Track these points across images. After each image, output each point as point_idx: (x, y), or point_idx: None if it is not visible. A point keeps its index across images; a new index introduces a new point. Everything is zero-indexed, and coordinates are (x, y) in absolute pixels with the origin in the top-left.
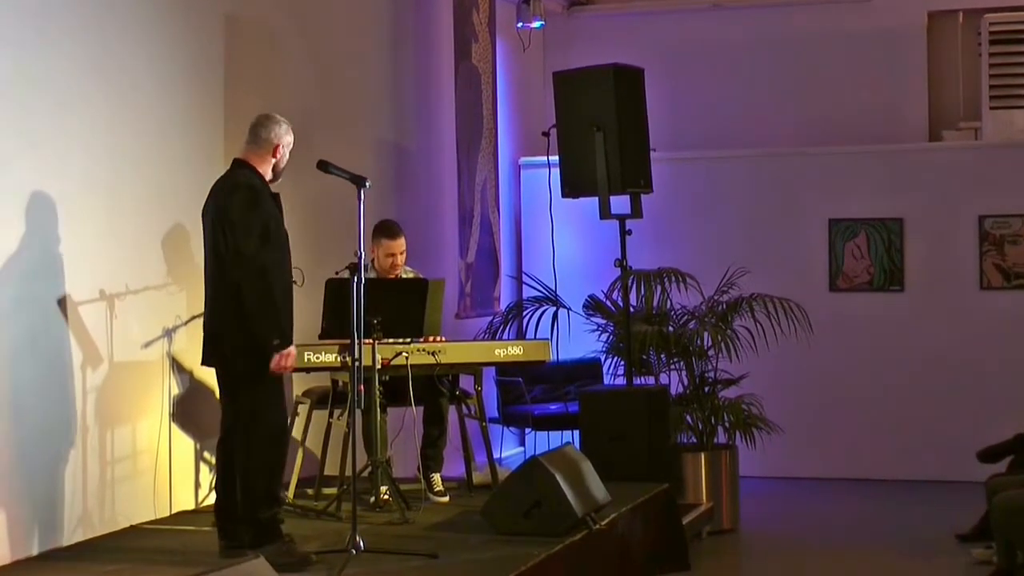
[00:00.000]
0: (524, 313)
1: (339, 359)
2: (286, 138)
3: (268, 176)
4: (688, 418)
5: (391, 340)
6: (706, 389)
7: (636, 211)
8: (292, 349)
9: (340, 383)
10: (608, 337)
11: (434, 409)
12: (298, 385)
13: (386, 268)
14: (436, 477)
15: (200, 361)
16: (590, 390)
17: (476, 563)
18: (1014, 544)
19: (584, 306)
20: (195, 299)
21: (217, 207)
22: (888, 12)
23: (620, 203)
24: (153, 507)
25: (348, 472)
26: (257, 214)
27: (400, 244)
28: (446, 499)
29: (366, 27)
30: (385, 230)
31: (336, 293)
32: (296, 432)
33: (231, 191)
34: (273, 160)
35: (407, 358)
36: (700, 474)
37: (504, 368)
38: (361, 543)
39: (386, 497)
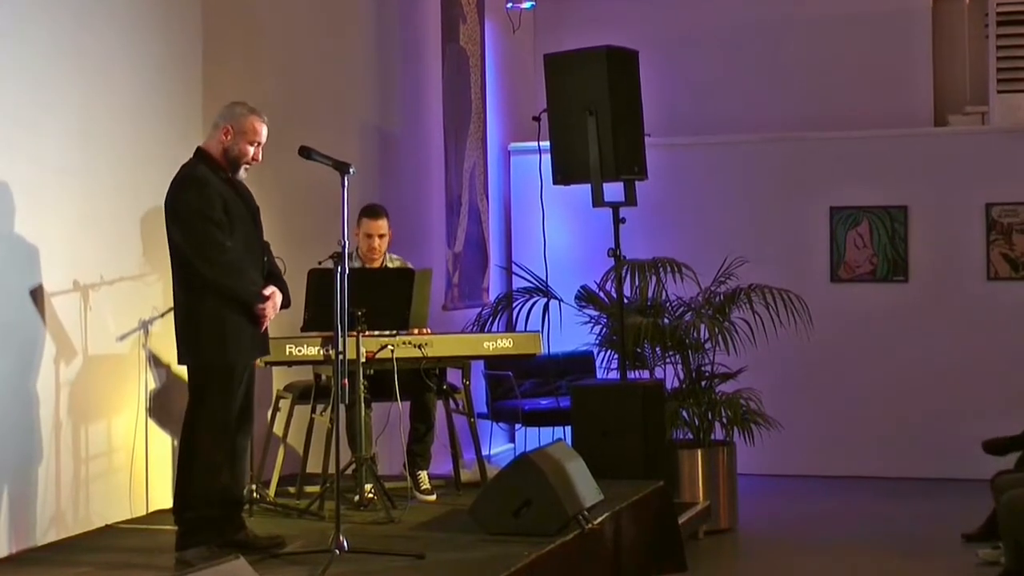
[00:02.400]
0: (514, 305)
1: (322, 352)
2: (239, 122)
3: (224, 164)
4: (684, 413)
5: (376, 332)
6: (703, 383)
7: (630, 199)
8: (268, 297)
9: (323, 377)
10: (601, 329)
11: (421, 404)
12: (279, 379)
13: (364, 251)
14: (423, 475)
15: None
16: (582, 384)
17: (464, 564)
18: (1022, 544)
19: (576, 297)
20: (172, 289)
21: (166, 202)
22: None
23: (613, 190)
24: (129, 506)
25: (331, 469)
26: (199, 206)
27: (380, 226)
28: (433, 497)
29: (351, 7)
30: (366, 210)
31: (319, 284)
32: (278, 428)
33: (174, 187)
34: (222, 145)
35: (392, 351)
36: (696, 472)
37: (493, 362)
38: (345, 543)
39: (371, 495)
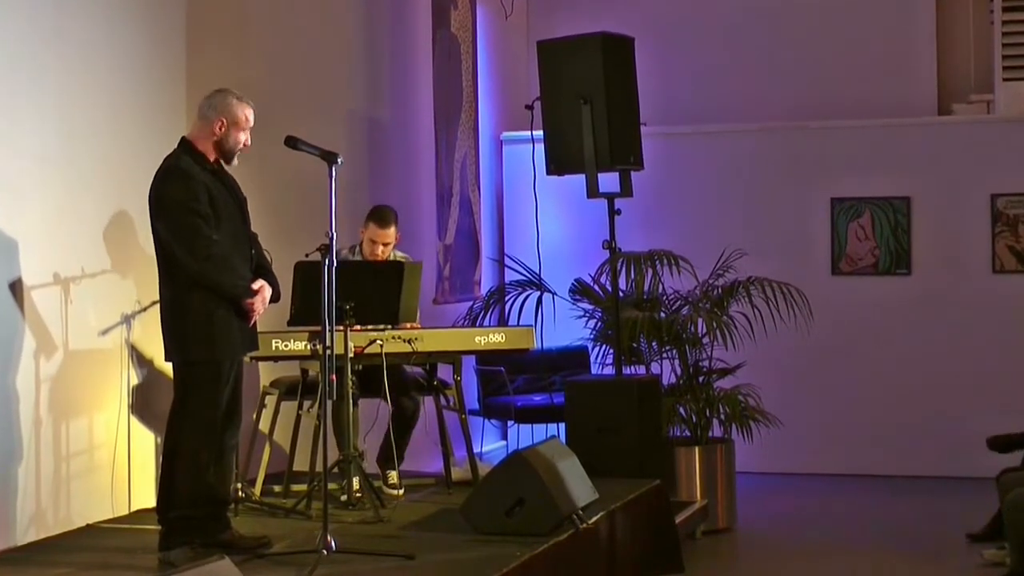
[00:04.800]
0: (506, 298)
1: (309, 347)
2: (232, 113)
3: (213, 153)
4: (681, 410)
5: (365, 327)
6: (700, 379)
7: (626, 189)
8: (257, 291)
9: (310, 373)
10: (596, 324)
11: (397, 408)
12: (266, 375)
13: (367, 255)
14: (392, 474)
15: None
16: (577, 380)
17: (455, 564)
18: None
19: (570, 291)
20: (155, 283)
21: (150, 195)
22: None
23: (609, 181)
24: (111, 505)
25: (318, 468)
26: (184, 198)
27: (388, 235)
28: (398, 492)
29: None
30: (376, 215)
31: (306, 277)
32: (264, 425)
33: (158, 179)
34: (214, 137)
35: (382, 346)
36: (694, 470)
37: (485, 357)
38: (332, 543)
39: (359, 494)
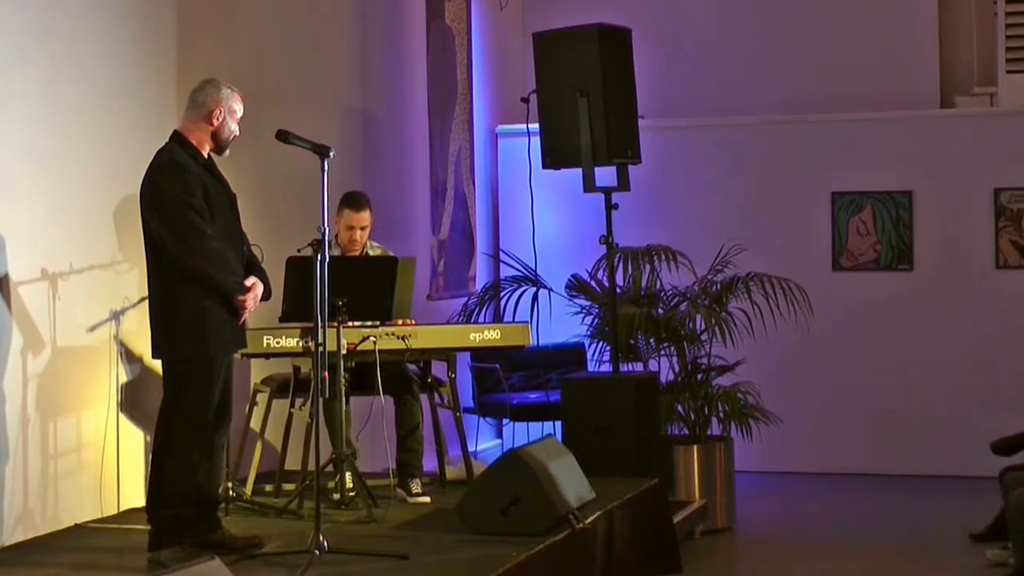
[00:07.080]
0: (502, 294)
1: (301, 344)
2: (228, 103)
3: (206, 146)
4: (679, 408)
5: (358, 323)
6: (699, 376)
7: (623, 183)
8: (250, 288)
9: (302, 370)
10: (593, 320)
11: (401, 404)
12: (257, 372)
13: (345, 243)
14: (415, 483)
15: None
16: (573, 377)
17: (450, 565)
18: None
19: (567, 287)
20: (144, 279)
21: (142, 189)
22: None
23: (606, 175)
24: (99, 504)
25: (311, 466)
26: (179, 192)
27: (363, 218)
28: (427, 499)
29: None
30: (349, 200)
31: (298, 272)
32: (255, 423)
33: (151, 172)
34: (211, 128)
35: (375, 343)
36: (692, 469)
37: (480, 354)
38: (325, 543)
39: (352, 493)
